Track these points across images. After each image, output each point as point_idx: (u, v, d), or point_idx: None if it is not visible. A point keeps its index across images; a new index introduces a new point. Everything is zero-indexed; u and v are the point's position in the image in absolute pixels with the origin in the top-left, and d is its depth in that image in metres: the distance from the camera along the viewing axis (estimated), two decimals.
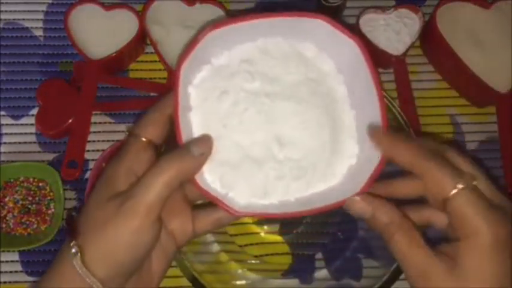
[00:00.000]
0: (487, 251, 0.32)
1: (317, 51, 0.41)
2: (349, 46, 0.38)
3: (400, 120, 0.52)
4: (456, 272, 0.33)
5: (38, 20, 0.68)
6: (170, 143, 0.39)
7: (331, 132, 0.39)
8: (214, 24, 0.38)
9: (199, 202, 0.41)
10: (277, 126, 0.39)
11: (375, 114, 0.38)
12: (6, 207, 0.60)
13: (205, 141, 0.37)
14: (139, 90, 0.65)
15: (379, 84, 0.37)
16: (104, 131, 0.64)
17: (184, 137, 0.37)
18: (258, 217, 0.39)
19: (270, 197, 0.39)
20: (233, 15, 0.39)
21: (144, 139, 0.37)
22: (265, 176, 0.38)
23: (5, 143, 0.63)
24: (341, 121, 0.40)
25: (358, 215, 0.37)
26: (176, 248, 0.39)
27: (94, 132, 0.63)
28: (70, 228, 0.36)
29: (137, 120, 0.39)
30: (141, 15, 0.64)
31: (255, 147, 0.39)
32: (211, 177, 0.38)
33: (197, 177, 0.37)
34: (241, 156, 0.38)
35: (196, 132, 0.38)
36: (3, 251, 0.59)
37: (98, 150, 0.62)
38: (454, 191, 0.33)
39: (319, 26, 0.39)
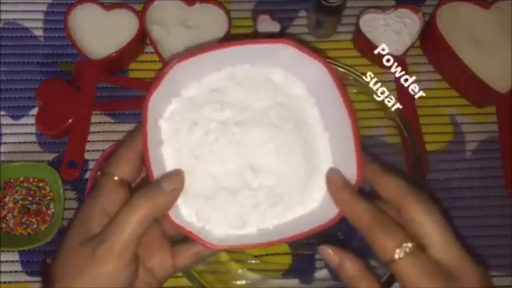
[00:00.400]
0: None
1: (286, 75, 0.40)
2: (316, 67, 0.38)
3: (398, 123, 0.52)
4: None
5: (38, 20, 0.68)
6: (145, 179, 0.38)
7: (305, 156, 0.39)
8: (181, 55, 0.38)
9: (180, 237, 0.40)
10: (250, 154, 0.38)
11: (347, 134, 0.37)
12: (6, 207, 0.59)
13: (176, 176, 0.37)
14: (139, 90, 0.65)
15: (350, 103, 0.37)
16: (104, 131, 0.64)
17: (156, 172, 0.36)
18: (236, 249, 0.38)
19: (247, 227, 0.38)
20: (207, 44, 0.39)
21: (116, 178, 0.37)
22: (241, 205, 0.38)
23: (5, 143, 0.63)
24: (315, 144, 0.39)
25: (327, 262, 0.38)
26: (158, 284, 0.38)
27: (94, 132, 0.63)
28: (44, 278, 0.36)
29: (109, 159, 0.39)
30: (141, 15, 0.64)
31: (228, 177, 0.38)
32: (187, 211, 0.38)
33: (172, 212, 0.36)
34: (215, 187, 0.38)
35: (169, 166, 0.38)
36: (3, 251, 0.59)
37: (98, 150, 0.62)
38: (397, 254, 0.34)
39: (284, 50, 0.38)
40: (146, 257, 0.37)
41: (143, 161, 0.37)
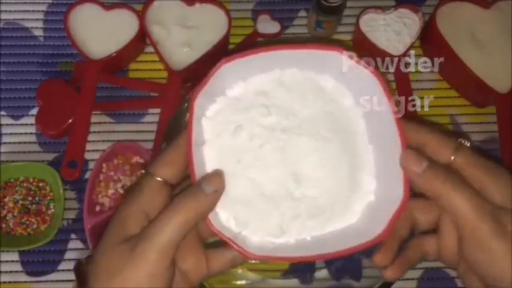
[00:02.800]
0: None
1: (335, 84, 0.39)
2: (369, 80, 0.37)
3: None
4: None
5: (38, 20, 0.68)
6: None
7: (349, 168, 0.38)
8: (229, 56, 0.37)
9: (211, 240, 0.39)
10: (294, 163, 0.37)
11: (394, 149, 0.36)
12: (6, 207, 0.59)
13: (217, 177, 0.36)
14: (139, 90, 0.65)
15: (400, 120, 0.36)
16: (103, 131, 0.64)
17: (198, 173, 0.35)
18: (273, 260, 0.37)
19: (285, 236, 0.37)
20: (250, 45, 0.38)
21: (159, 179, 0.35)
22: (281, 215, 0.37)
23: (5, 143, 0.63)
24: (359, 157, 0.38)
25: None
26: None
27: (94, 132, 0.63)
28: (78, 277, 0.35)
29: (153, 158, 0.38)
30: (141, 15, 0.64)
31: (270, 184, 0.37)
32: (225, 215, 0.37)
33: (211, 216, 0.35)
34: (256, 194, 0.37)
35: (210, 168, 0.37)
36: (3, 251, 0.59)
37: (98, 150, 0.62)
38: (453, 156, 0.35)
39: (338, 59, 0.37)
40: (181, 260, 0.36)
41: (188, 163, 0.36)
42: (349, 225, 0.38)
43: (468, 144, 0.36)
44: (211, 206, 0.35)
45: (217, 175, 0.36)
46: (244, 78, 0.38)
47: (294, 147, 0.37)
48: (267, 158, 0.37)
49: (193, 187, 0.35)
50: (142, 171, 0.38)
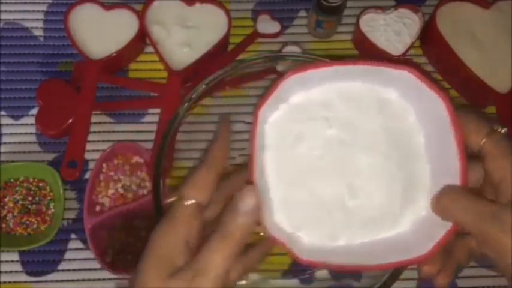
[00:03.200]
0: None
1: (399, 100, 0.39)
2: (435, 101, 0.37)
3: None
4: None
5: (38, 20, 0.68)
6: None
7: (404, 186, 0.39)
8: (296, 68, 0.38)
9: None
10: (351, 175, 0.38)
11: (453, 172, 0.36)
12: (6, 207, 0.59)
13: (250, 194, 0.35)
14: (139, 90, 0.65)
15: (462, 145, 0.36)
16: (103, 131, 0.64)
17: (257, 181, 0.36)
18: (322, 267, 0.39)
19: (335, 243, 0.38)
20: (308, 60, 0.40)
21: (192, 202, 0.35)
22: (333, 223, 0.38)
23: (5, 143, 0.63)
24: (415, 175, 0.39)
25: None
26: None
27: (94, 132, 0.63)
28: None
29: (185, 179, 0.37)
30: (141, 15, 0.64)
31: (325, 193, 0.38)
32: (280, 217, 0.38)
33: (266, 219, 0.36)
34: (311, 201, 0.38)
35: (270, 173, 0.38)
36: (3, 251, 0.59)
37: (98, 150, 0.62)
38: (485, 139, 0.34)
39: (404, 77, 0.37)
40: None
41: (218, 182, 0.36)
42: (399, 238, 0.39)
43: (502, 131, 0.35)
44: (253, 223, 0.35)
45: (250, 191, 0.35)
46: (307, 88, 0.39)
47: (352, 161, 0.39)
48: (325, 169, 0.38)
49: (230, 208, 0.34)
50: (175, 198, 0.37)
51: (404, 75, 0.37)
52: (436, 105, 0.37)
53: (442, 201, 0.35)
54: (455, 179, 0.36)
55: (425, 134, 0.39)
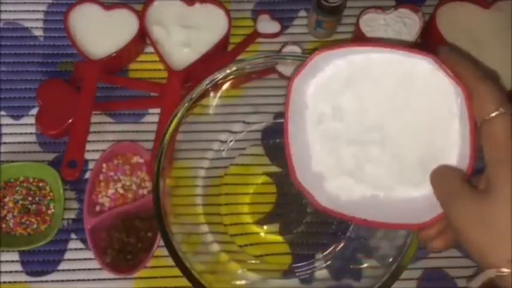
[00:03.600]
0: None
1: (426, 72, 0.41)
2: (456, 91, 0.39)
3: None
4: (483, 195, 0.33)
5: (38, 20, 0.68)
6: None
7: (428, 140, 0.41)
8: (322, 48, 0.43)
9: None
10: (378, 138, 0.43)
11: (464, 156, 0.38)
12: (6, 207, 0.59)
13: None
14: (139, 90, 0.65)
15: (474, 131, 0.37)
16: (103, 131, 0.64)
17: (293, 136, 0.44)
18: (335, 215, 0.43)
19: (357, 185, 0.43)
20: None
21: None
22: (357, 159, 0.43)
23: (5, 143, 0.63)
24: (442, 133, 0.40)
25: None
26: None
27: (94, 132, 0.63)
28: None
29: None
30: (141, 15, 0.64)
31: (352, 156, 0.43)
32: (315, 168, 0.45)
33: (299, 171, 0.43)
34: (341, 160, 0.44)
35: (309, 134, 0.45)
36: (3, 251, 0.59)
37: (98, 150, 0.62)
38: (493, 114, 0.34)
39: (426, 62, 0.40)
40: None
41: None
42: (417, 198, 0.41)
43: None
44: None
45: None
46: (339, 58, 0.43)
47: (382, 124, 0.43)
48: (355, 133, 0.44)
49: None
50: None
51: (426, 60, 0.39)
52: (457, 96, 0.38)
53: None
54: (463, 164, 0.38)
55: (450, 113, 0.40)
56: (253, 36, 0.68)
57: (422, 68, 0.40)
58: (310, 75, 0.44)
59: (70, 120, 0.61)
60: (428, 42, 0.66)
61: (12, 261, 0.59)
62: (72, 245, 0.60)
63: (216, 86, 0.55)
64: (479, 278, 0.33)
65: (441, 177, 0.38)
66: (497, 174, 0.33)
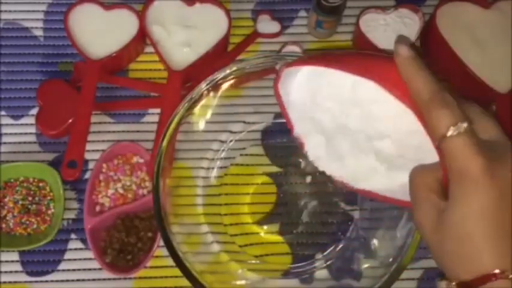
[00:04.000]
0: (475, 186, 0.32)
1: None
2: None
3: None
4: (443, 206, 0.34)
5: (38, 20, 0.68)
6: None
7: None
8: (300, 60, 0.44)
9: None
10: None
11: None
12: (6, 207, 0.59)
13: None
14: (139, 90, 0.65)
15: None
16: (103, 131, 0.64)
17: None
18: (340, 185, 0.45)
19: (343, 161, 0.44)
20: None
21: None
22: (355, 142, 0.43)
23: (5, 143, 0.63)
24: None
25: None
26: None
27: (94, 132, 0.63)
28: None
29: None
30: (141, 15, 0.64)
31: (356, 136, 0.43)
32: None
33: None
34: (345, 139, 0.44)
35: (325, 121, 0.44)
36: (3, 251, 0.59)
37: (98, 150, 0.62)
38: (449, 133, 0.33)
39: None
40: None
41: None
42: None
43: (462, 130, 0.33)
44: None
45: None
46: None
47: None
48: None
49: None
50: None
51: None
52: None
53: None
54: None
55: None
56: (253, 36, 0.68)
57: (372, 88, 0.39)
58: (292, 75, 0.44)
59: (70, 120, 0.61)
60: (428, 42, 0.66)
61: (12, 261, 0.59)
62: (72, 245, 0.60)
63: (216, 86, 0.55)
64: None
65: (415, 178, 0.38)
66: (455, 190, 0.34)
